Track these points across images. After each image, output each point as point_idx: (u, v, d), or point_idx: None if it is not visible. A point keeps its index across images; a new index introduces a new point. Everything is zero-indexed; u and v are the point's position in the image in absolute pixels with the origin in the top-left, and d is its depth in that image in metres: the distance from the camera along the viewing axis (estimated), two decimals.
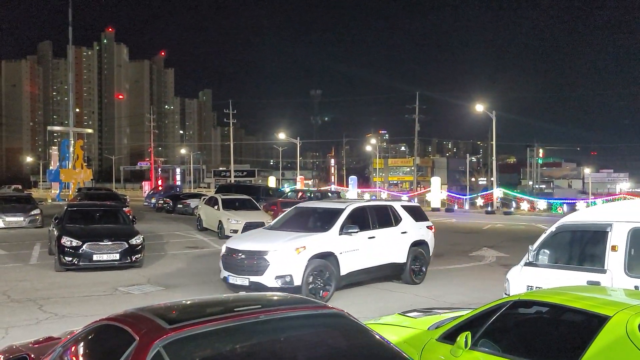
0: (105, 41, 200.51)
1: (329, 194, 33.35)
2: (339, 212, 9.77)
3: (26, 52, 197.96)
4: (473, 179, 73.79)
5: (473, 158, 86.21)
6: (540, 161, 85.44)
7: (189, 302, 3.47)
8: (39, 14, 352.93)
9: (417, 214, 11.25)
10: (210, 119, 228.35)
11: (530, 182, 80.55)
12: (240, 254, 8.96)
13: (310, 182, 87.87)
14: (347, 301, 8.53)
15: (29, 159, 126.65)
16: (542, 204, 38.40)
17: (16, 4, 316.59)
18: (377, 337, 3.03)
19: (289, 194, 33.87)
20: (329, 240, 9.19)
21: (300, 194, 32.09)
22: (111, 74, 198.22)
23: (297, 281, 8.55)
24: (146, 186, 62.01)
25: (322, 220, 9.85)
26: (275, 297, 3.57)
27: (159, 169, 71.07)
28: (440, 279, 11.20)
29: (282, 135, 61.15)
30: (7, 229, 19.91)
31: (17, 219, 20.57)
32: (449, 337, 3.79)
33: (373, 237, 9.83)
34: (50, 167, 58.72)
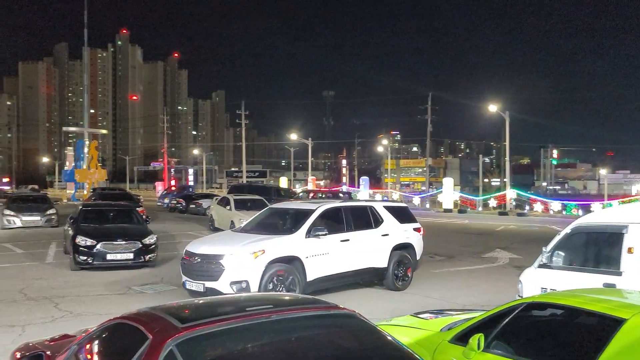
0: (119, 43, 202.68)
1: (340, 195, 33.35)
2: (308, 213, 9.15)
3: (43, 54, 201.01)
4: (486, 180, 73.29)
5: (486, 159, 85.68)
6: (554, 162, 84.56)
7: (201, 302, 3.49)
8: (55, 16, 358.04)
9: (403, 215, 10.59)
10: (223, 120, 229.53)
11: (544, 183, 79.77)
12: (196, 258, 8.47)
13: (322, 182, 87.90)
14: (357, 302, 8.51)
15: (45, 159, 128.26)
16: (556, 205, 38.00)
17: (33, 7, 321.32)
18: (389, 338, 3.03)
19: (301, 194, 33.93)
20: (293, 243, 8.62)
21: (311, 195, 32.13)
22: (125, 75, 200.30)
23: (254, 287, 8.04)
24: (159, 186, 62.49)
25: (292, 222, 9.32)
26: (287, 297, 3.60)
27: (172, 170, 71.60)
28: (452, 281, 11.13)
29: (293, 136, 61.28)
30: (24, 228, 20.22)
31: (34, 219, 20.87)
32: (462, 338, 3.77)
33: (347, 240, 9.24)
34: (66, 168, 59.46)
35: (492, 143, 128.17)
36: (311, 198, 29.06)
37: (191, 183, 63.81)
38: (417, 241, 10.56)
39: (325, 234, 8.89)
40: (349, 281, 9.48)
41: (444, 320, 4.45)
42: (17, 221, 20.62)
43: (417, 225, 10.76)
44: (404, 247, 10.18)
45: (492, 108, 39.86)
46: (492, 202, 40.66)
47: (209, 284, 8.12)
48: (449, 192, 39.39)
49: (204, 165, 75.85)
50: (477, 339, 3.50)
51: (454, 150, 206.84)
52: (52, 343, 3.72)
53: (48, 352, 3.40)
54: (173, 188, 47.07)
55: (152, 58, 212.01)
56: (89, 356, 3.14)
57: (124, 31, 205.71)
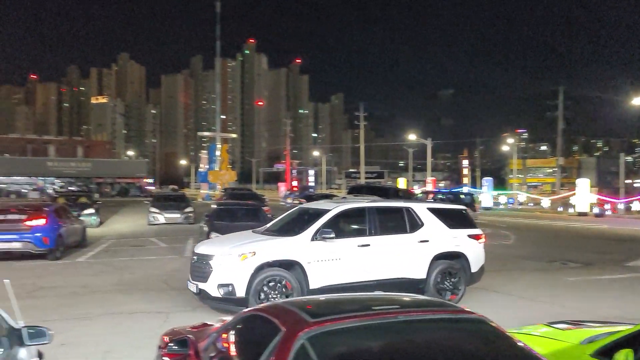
0: (247, 52, 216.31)
1: (462, 196, 32.14)
2: (322, 213, 8.26)
3: (181, 67, 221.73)
4: (628, 181, 65.84)
5: (628, 157, 76.90)
6: None
7: (328, 298, 3.61)
8: (193, 31, 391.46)
9: (455, 219, 9.17)
10: (341, 122, 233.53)
11: None
12: (195, 257, 8.17)
13: (442, 184, 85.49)
14: (483, 308, 8.14)
15: (182, 162, 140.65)
16: None
17: (172, 24, 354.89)
18: (523, 346, 2.88)
19: (420, 195, 33.32)
20: (293, 246, 7.81)
21: (430, 195, 31.41)
22: (252, 82, 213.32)
23: (240, 292, 7.42)
24: (282, 187, 65.32)
25: (304, 223, 8.36)
26: (412, 299, 3.57)
27: (294, 171, 74.43)
28: (590, 290, 10.20)
29: (412, 136, 60.38)
30: (166, 225, 22.38)
31: (175, 216, 23.04)
32: (605, 353, 3.45)
33: (366, 246, 8.15)
34: (200, 169, 64.80)
35: (635, 140, 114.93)
36: (430, 199, 28.43)
37: (311, 184, 65.86)
38: (472, 250, 9.00)
39: (333, 237, 7.90)
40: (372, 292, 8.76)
41: (584, 332, 4.10)
42: (161, 218, 22.90)
43: (474, 231, 9.25)
44: (452, 257, 8.81)
45: (638, 101, 35.76)
46: (636, 205, 36.47)
47: (201, 285, 7.72)
48: (584, 194, 36.08)
49: (323, 167, 77.81)
50: (625, 355, 3.18)
51: (589, 148, 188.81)
52: (194, 330, 4.08)
53: (192, 338, 3.74)
54: (295, 188, 48.98)
55: (276, 65, 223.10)
56: (226, 344, 3.40)
57: (251, 41, 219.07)
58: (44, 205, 14.70)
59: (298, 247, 7.84)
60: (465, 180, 66.61)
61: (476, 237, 9.20)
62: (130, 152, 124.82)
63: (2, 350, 3.18)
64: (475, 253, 9.06)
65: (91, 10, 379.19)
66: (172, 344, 3.62)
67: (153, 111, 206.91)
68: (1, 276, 9.61)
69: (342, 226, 8.33)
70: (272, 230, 8.72)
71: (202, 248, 8.24)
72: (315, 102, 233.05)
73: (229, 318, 3.77)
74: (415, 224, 8.69)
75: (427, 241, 8.62)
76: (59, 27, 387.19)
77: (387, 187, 44.98)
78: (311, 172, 76.14)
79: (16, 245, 12.73)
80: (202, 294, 7.77)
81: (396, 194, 30.45)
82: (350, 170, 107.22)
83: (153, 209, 23.28)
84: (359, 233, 8.38)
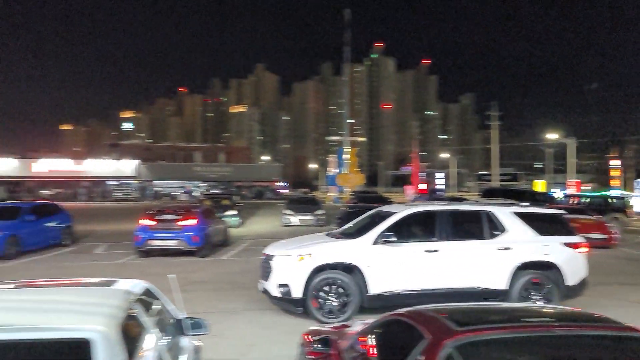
0: (375, 56, 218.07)
1: (611, 200, 28.93)
2: (387, 216, 8.04)
3: (311, 74, 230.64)
4: None
5: None
6: None
7: (472, 307, 3.50)
8: (323, 39, 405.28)
9: (549, 225, 8.29)
10: (471, 123, 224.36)
11: None
12: (262, 257, 8.35)
13: (589, 186, 77.85)
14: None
15: (312, 166, 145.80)
16: None
17: (304, 34, 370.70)
18: None
19: (561, 198, 30.71)
20: (353, 249, 7.70)
21: (574, 199, 28.77)
22: (378, 86, 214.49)
23: (296, 293, 7.53)
24: (408, 190, 64.51)
25: (368, 226, 8.19)
26: (567, 312, 3.32)
27: (422, 173, 73.04)
28: None
29: (552, 136, 55.95)
30: (299, 226, 23.41)
31: (307, 217, 24.05)
32: None
33: (434, 251, 7.73)
34: (328, 173, 66.60)
35: None
36: (573, 203, 26.06)
37: (441, 186, 64.14)
38: (567, 260, 8.06)
39: (395, 241, 7.66)
40: (442, 302, 8.08)
41: None
42: (294, 219, 24.01)
43: (572, 239, 8.27)
44: (541, 267, 7.97)
45: None
46: None
47: (265, 284, 7.99)
48: None
49: (452, 169, 75.37)
50: None
51: None
52: (334, 330, 4.22)
53: (334, 338, 3.87)
54: (423, 191, 48.13)
55: (403, 67, 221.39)
56: (365, 347, 3.46)
57: (379, 44, 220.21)
58: (194, 207, 16.20)
59: (358, 250, 7.72)
60: (615, 182, 59.99)
61: (574, 245, 8.24)
62: (265, 157, 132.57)
63: (169, 338, 3.52)
64: (571, 263, 8.11)
65: (231, 26, 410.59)
66: (316, 343, 3.78)
67: (285, 117, 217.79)
68: (160, 272, 10.82)
69: (408, 230, 8.08)
70: (345, 233, 8.65)
71: (268, 249, 8.46)
72: (444, 103, 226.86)
73: (369, 321, 3.83)
74: (495, 230, 8.08)
75: (509, 248, 7.93)
76: (204, 43, 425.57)
77: (523, 189, 42.20)
78: (439, 174, 74.14)
79: (171, 243, 14.24)
80: (266, 293, 8.01)
81: (532, 197, 28.49)
82: (482, 172, 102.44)
83: (287, 211, 24.50)
84: (427, 238, 8.03)
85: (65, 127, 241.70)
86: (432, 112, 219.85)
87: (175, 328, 3.76)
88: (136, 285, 3.56)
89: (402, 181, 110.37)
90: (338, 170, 54.05)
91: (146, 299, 3.45)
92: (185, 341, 3.93)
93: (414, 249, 7.80)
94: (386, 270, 7.62)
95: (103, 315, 2.68)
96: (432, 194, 42.55)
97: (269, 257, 8.02)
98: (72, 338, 2.45)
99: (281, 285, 7.68)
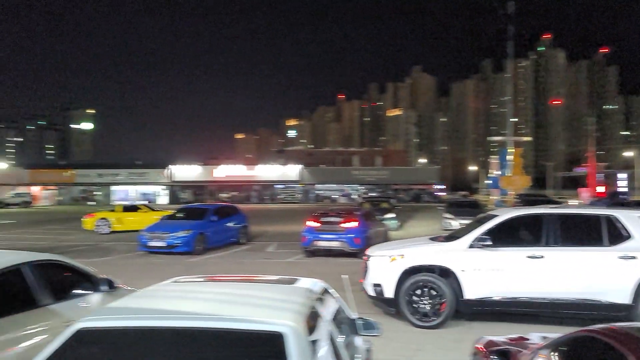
0: (542, 49, 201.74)
1: None
2: (488, 219, 7.79)
3: (470, 72, 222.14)
4: None
5: None
6: None
7: None
8: (481, 35, 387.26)
9: None
10: None
11: None
12: (364, 258, 8.47)
13: None
14: None
15: (471, 168, 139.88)
16: None
17: (461, 32, 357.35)
18: None
19: None
20: (447, 252, 7.53)
21: None
22: (545, 80, 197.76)
23: (388, 293, 7.64)
24: (583, 192, 58.22)
25: (471, 230, 7.91)
26: None
27: (599, 174, 65.27)
28: None
29: None
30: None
31: (468, 222, 23.10)
32: None
33: (539, 258, 7.14)
34: (490, 175, 63.22)
35: None
36: None
37: (623, 189, 56.66)
38: None
39: (491, 245, 7.29)
40: (546, 313, 7.25)
41: None
42: (455, 223, 23.22)
43: None
44: None
45: None
46: None
47: (364, 284, 8.22)
48: None
49: (638, 169, 66.04)
50: None
51: None
52: (511, 342, 4.00)
53: (513, 350, 3.68)
54: (602, 194, 42.95)
55: (574, 58, 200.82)
56: None
57: (547, 36, 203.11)
58: (355, 210, 16.70)
59: (452, 253, 7.56)
60: None
61: None
62: (422, 160, 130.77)
63: (344, 337, 3.68)
64: None
65: (387, 30, 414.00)
66: (493, 355, 3.63)
67: (443, 119, 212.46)
68: (326, 271, 11.32)
69: (509, 234, 7.64)
70: (450, 237, 8.44)
71: (369, 250, 8.71)
72: (626, 96, 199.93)
73: (550, 335, 3.57)
74: (618, 236, 7.16)
75: (635, 258, 6.95)
76: (362, 49, 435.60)
77: None
78: (621, 175, 65.56)
79: (335, 244, 14.85)
80: (365, 292, 8.25)
81: None
82: None
83: (447, 215, 23.84)
84: (532, 243, 7.46)
85: (239, 135, 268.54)
86: (611, 106, 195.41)
87: (350, 327, 3.90)
88: (316, 284, 3.78)
89: (574, 183, 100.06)
90: (500, 172, 50.97)
91: (324, 298, 3.64)
92: (360, 341, 4.05)
93: (515, 255, 7.36)
94: (482, 275, 7.36)
95: (293, 311, 2.87)
96: (612, 197, 37.51)
97: (368, 257, 8.38)
98: (268, 331, 2.60)
99: (375, 285, 7.98)
